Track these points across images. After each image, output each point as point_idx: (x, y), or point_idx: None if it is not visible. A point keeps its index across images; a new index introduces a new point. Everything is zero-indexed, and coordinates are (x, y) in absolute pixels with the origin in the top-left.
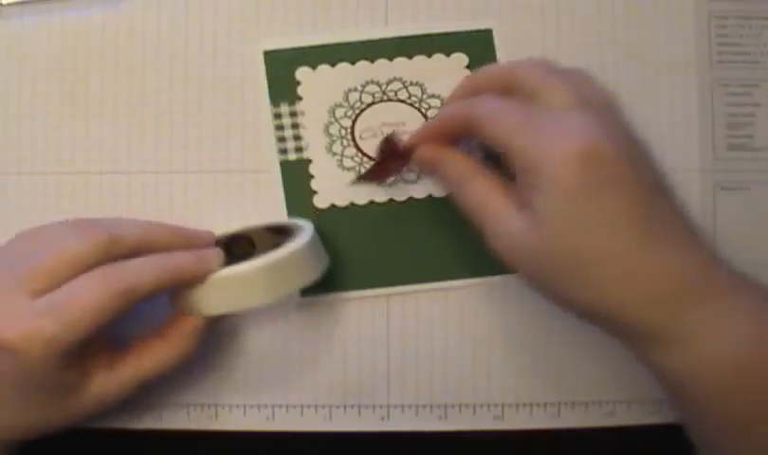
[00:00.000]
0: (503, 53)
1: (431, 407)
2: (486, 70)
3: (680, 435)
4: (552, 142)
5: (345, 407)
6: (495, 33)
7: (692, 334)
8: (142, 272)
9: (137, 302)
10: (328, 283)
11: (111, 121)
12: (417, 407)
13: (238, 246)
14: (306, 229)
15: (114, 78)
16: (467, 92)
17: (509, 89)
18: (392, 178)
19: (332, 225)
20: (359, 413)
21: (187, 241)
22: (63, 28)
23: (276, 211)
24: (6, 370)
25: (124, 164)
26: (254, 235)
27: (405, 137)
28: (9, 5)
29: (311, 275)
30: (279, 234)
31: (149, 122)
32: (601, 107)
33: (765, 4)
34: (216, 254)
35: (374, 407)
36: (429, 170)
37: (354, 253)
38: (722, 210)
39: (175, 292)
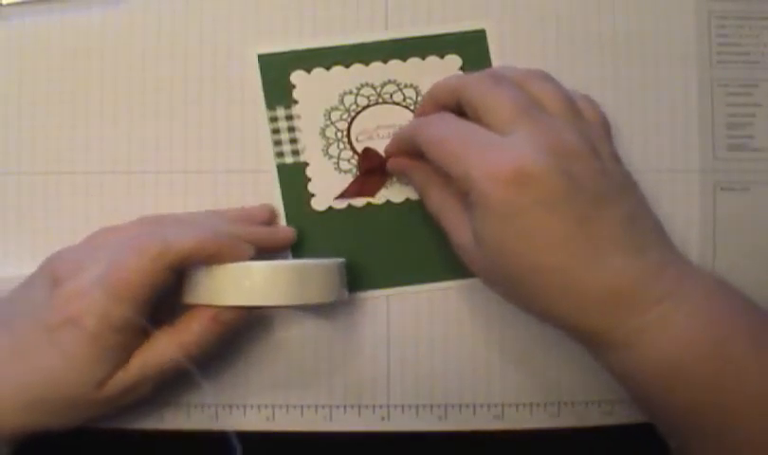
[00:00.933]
0: (497, 53)
1: (431, 407)
2: (442, 85)
3: None
4: (481, 167)
5: (345, 407)
6: (489, 34)
7: (633, 339)
8: (182, 234)
9: (181, 266)
10: None
11: (111, 121)
12: (417, 407)
13: None
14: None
15: (113, 78)
16: (429, 108)
17: (461, 104)
18: (380, 191)
19: (330, 227)
20: (359, 413)
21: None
22: (62, 29)
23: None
24: (66, 342)
25: (124, 164)
26: None
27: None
28: (9, 5)
29: (330, 295)
30: None
31: (149, 122)
32: (553, 114)
33: (765, 4)
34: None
35: (374, 407)
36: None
37: (352, 255)
38: (722, 210)
39: (193, 284)
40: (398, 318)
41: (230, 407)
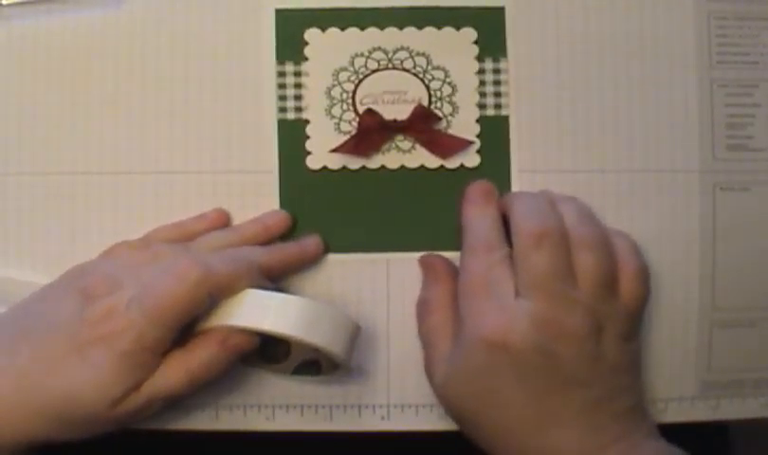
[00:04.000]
0: (513, 33)
1: (431, 407)
2: (500, 200)
3: (683, 436)
4: (477, 324)
5: (345, 407)
6: (507, 11)
7: None
8: (221, 262)
9: (218, 294)
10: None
11: (111, 122)
12: (417, 407)
13: (274, 347)
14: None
15: (114, 78)
16: (480, 198)
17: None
18: (375, 153)
19: (323, 186)
20: (359, 413)
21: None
22: (63, 29)
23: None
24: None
25: (125, 164)
26: (296, 344)
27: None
28: (9, 5)
29: (337, 346)
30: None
31: (150, 122)
32: (579, 289)
33: (765, 4)
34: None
35: (374, 407)
36: None
37: (345, 216)
38: (722, 211)
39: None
40: (400, 310)
41: (230, 407)
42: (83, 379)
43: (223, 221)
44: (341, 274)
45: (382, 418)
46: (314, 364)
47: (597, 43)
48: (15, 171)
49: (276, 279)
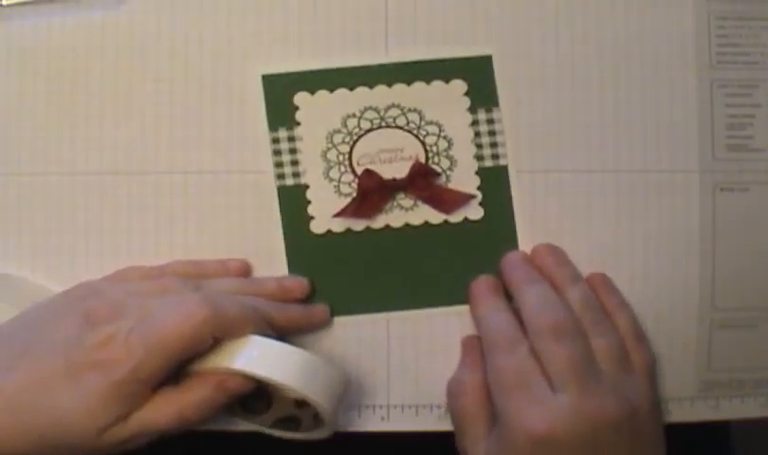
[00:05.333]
0: (503, 79)
1: (431, 407)
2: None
3: (689, 435)
4: (520, 417)
5: (345, 407)
6: (494, 59)
7: None
8: (229, 305)
9: (222, 336)
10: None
11: (111, 122)
12: (417, 407)
13: (255, 398)
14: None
15: (113, 79)
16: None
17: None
18: (377, 213)
19: (329, 251)
20: (359, 413)
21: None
22: (63, 30)
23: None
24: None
25: (124, 165)
26: (275, 394)
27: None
28: (9, 5)
29: (330, 403)
30: (303, 405)
31: (149, 123)
32: (603, 371)
33: (765, 5)
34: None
35: (374, 407)
36: None
37: (351, 279)
38: (722, 211)
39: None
40: (398, 322)
41: (232, 408)
42: (73, 404)
43: (243, 273)
44: (343, 336)
45: (382, 418)
46: (293, 420)
47: (596, 47)
48: (15, 171)
49: (280, 335)
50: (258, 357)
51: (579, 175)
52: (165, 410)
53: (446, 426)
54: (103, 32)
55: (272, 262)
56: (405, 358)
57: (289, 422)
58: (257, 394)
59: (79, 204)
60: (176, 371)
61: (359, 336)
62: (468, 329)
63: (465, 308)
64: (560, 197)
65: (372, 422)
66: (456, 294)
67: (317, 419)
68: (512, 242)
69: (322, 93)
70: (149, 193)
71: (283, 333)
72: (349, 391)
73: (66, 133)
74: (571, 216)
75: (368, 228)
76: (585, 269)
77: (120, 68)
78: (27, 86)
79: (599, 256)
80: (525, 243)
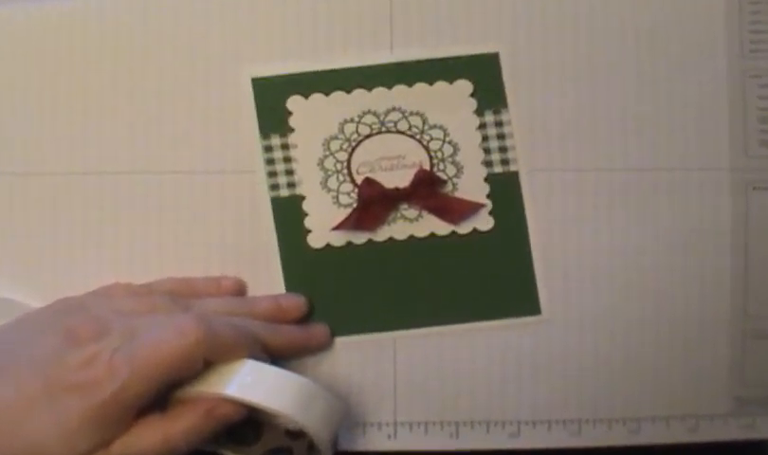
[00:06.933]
0: (512, 78)
1: (442, 424)
2: None
3: None
4: None
5: (348, 425)
6: (502, 57)
7: None
8: (223, 326)
9: (215, 359)
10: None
11: (94, 121)
12: (426, 424)
13: (245, 428)
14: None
15: (96, 76)
16: None
17: None
18: (380, 225)
19: (328, 266)
20: (364, 432)
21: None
22: (41, 19)
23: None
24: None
25: (111, 164)
26: (267, 423)
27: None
28: None
29: (329, 433)
30: (297, 436)
31: (136, 121)
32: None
33: None
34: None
35: (379, 424)
36: None
37: (352, 296)
38: (755, 212)
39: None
40: (406, 342)
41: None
42: (51, 428)
43: (236, 291)
44: (346, 357)
45: (388, 437)
46: (285, 452)
47: (618, 37)
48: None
49: (276, 358)
50: (252, 383)
51: (600, 175)
52: (150, 438)
53: (459, 444)
54: (86, 25)
55: (267, 279)
56: (413, 376)
57: (281, 454)
58: (247, 423)
59: (61, 206)
60: (163, 395)
61: (363, 358)
62: (482, 347)
63: (477, 325)
64: (578, 199)
65: (377, 440)
66: (466, 310)
67: (311, 450)
68: (525, 253)
69: (317, 96)
70: (138, 194)
71: (279, 356)
72: (349, 417)
73: (48, 131)
74: (590, 220)
75: (370, 242)
76: (606, 277)
77: (104, 65)
78: (3, 82)
79: (621, 262)
80: (540, 252)
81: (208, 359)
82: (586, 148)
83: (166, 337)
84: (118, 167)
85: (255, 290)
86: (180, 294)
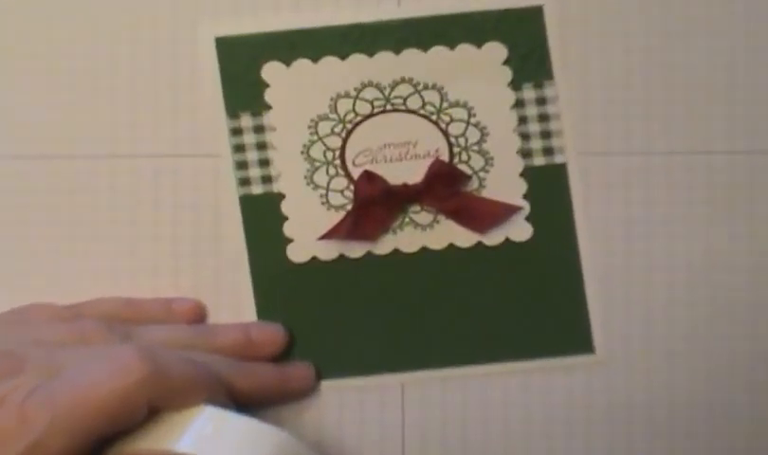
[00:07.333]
0: (559, 40)
1: None
2: None
3: None
4: None
5: None
6: (546, 12)
7: None
8: (176, 363)
9: (164, 404)
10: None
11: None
12: None
13: None
14: None
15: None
16: None
17: None
18: (382, 234)
19: (314, 287)
20: None
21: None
22: None
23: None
24: None
25: (67, 147)
26: None
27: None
28: None
29: None
30: None
31: (59, 95)
32: None
33: None
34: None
35: None
36: None
37: (346, 326)
38: None
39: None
40: (416, 404)
41: None
42: None
43: (193, 317)
44: (336, 406)
45: None
46: None
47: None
48: None
49: (244, 405)
50: (212, 436)
51: (675, 163)
52: None
53: None
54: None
55: (234, 302)
56: (426, 431)
57: None
58: None
59: (10, 188)
60: (95, 453)
61: (360, 407)
62: (516, 396)
63: (510, 367)
64: (647, 199)
65: None
66: (496, 347)
67: None
68: (573, 271)
69: (302, 63)
70: (57, 197)
71: (248, 403)
72: None
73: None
74: (663, 225)
75: (369, 255)
76: (683, 303)
77: (37, 26)
78: None
79: (705, 282)
80: (593, 271)
81: (154, 405)
82: (658, 130)
83: (98, 376)
84: (37, 149)
85: (218, 317)
86: (119, 319)
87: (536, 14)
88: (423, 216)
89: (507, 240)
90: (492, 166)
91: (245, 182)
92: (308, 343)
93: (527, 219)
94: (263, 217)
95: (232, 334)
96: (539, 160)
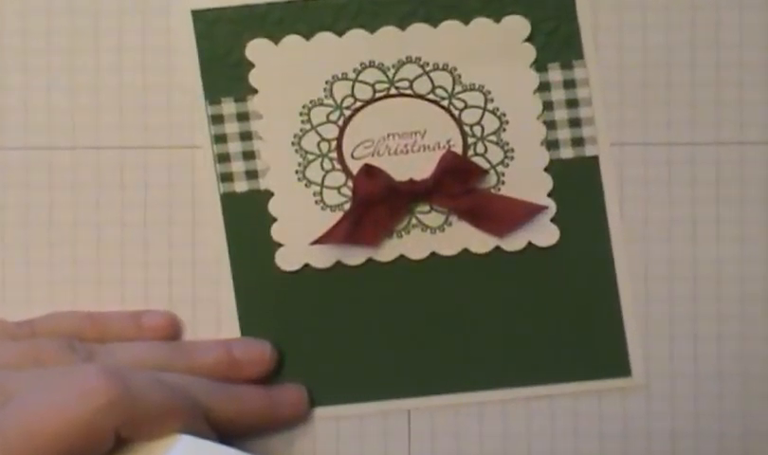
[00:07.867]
0: (591, 13)
1: None
2: None
3: None
4: None
5: None
6: None
7: None
8: (149, 387)
9: (134, 433)
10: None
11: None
12: None
13: None
14: None
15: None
16: None
17: None
18: (386, 237)
19: (307, 298)
20: None
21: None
22: None
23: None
24: None
25: (19, 137)
26: None
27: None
28: None
29: None
30: None
31: (45, 84)
32: None
33: None
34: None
35: None
36: None
37: (343, 344)
38: None
39: None
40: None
41: None
42: None
43: (166, 333)
44: (332, 436)
45: None
46: None
47: None
48: None
49: (226, 434)
50: None
51: (725, 154)
52: None
53: None
54: None
55: (214, 316)
56: None
57: None
58: None
59: None
60: None
61: (360, 437)
62: (542, 423)
63: (534, 391)
64: (692, 197)
65: None
66: (517, 368)
67: None
68: (607, 281)
69: (293, 40)
70: (83, 170)
71: (231, 430)
72: None
73: None
74: (711, 224)
75: (370, 262)
76: (733, 316)
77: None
78: None
79: (759, 273)
80: (629, 282)
81: (122, 434)
82: (704, 117)
83: (59, 401)
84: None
85: (195, 333)
86: (81, 336)
87: None
88: (432, 217)
89: (530, 244)
90: (512, 159)
91: (227, 177)
92: (300, 363)
93: (553, 220)
94: (247, 218)
95: (213, 352)
96: (566, 153)
